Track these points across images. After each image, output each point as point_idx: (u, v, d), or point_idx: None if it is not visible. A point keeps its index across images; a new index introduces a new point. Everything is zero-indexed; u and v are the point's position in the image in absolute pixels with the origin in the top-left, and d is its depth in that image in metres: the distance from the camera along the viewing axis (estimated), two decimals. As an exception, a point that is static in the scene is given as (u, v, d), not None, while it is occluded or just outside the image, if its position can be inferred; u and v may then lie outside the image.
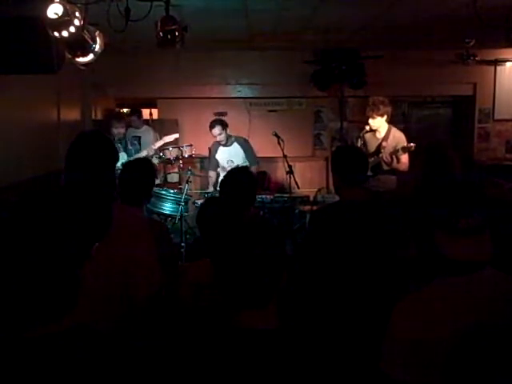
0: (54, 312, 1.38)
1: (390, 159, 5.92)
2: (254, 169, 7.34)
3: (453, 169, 3.90)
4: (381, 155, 6.01)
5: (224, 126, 7.14)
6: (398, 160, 5.95)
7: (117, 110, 10.17)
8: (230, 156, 7.29)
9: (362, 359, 2.53)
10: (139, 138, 7.85)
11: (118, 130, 7.35)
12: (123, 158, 7.00)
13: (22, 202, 1.40)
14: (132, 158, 6.82)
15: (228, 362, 1.62)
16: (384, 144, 6.07)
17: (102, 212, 1.50)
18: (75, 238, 1.39)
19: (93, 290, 1.47)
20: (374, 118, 6.08)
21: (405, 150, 5.85)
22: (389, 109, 6.12)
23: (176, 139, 7.54)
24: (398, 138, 6.10)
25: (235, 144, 7.31)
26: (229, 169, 6.96)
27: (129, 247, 2.87)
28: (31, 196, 1.41)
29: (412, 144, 5.81)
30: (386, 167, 6.02)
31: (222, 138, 7.13)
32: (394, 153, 5.91)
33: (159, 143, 7.38)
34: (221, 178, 7.08)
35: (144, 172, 3.40)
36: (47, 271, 1.35)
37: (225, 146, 7.28)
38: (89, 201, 1.47)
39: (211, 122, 7.19)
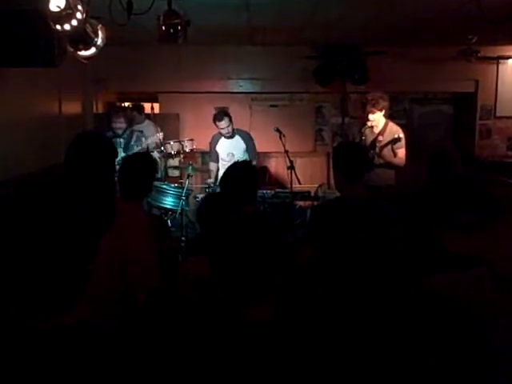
0: (59, 305, 1.38)
1: (381, 151, 5.95)
2: (254, 164, 7.33)
3: (455, 168, 3.96)
4: (377, 149, 6.03)
5: (230, 118, 7.10)
6: (395, 154, 5.96)
7: (117, 104, 10.17)
8: (230, 148, 7.25)
9: (360, 354, 2.53)
10: (142, 132, 7.85)
11: (117, 125, 7.36)
12: (120, 154, 7.03)
13: (27, 197, 1.40)
14: (130, 153, 6.83)
15: (226, 356, 1.63)
16: (380, 138, 6.10)
17: (106, 206, 1.50)
18: (80, 232, 1.39)
19: (93, 286, 1.47)
20: (374, 112, 6.12)
21: (394, 141, 5.87)
22: (387, 103, 6.20)
23: (178, 131, 7.53)
24: (395, 131, 6.11)
25: (237, 137, 7.26)
26: (228, 160, 7.00)
27: (129, 243, 2.87)
28: (36, 190, 1.41)
29: (401, 135, 5.85)
30: (381, 161, 6.04)
31: (229, 130, 7.06)
32: (386, 145, 5.93)
33: (147, 142, 7.42)
34: (221, 171, 7.12)
35: (144, 167, 3.38)
36: (52, 264, 1.36)
37: (227, 137, 7.25)
38: (93, 195, 1.48)
39: (218, 114, 7.10)
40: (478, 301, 1.72)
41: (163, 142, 7.42)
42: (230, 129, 7.07)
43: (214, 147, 7.36)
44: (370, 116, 6.16)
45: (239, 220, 1.87)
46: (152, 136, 7.62)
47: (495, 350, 1.51)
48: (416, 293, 1.90)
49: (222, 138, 7.24)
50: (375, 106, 6.10)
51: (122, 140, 7.39)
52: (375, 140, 6.13)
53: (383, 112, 6.18)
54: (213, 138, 7.39)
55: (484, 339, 1.50)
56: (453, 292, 1.78)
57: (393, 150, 5.94)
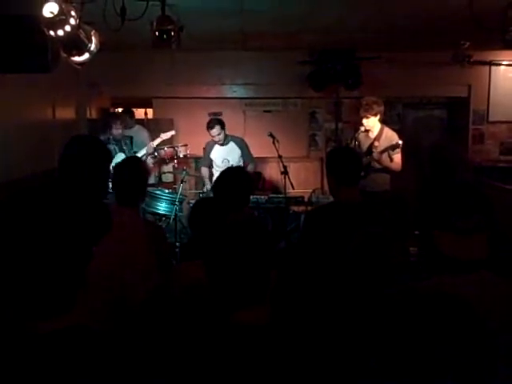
0: (52, 310, 1.38)
1: (379, 157, 5.95)
2: (251, 167, 7.32)
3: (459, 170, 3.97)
4: (373, 155, 6.03)
5: (222, 125, 7.12)
6: (391, 159, 5.98)
7: (116, 110, 10.16)
8: (225, 155, 7.28)
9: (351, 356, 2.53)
10: (131, 137, 7.83)
11: (118, 131, 7.34)
12: (121, 157, 7.00)
13: (23, 201, 1.40)
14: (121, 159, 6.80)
15: (221, 358, 1.63)
16: (376, 144, 6.11)
17: (101, 211, 1.50)
18: (75, 237, 1.39)
19: (90, 290, 1.47)
20: (367, 117, 6.13)
21: (393, 147, 5.88)
22: (382, 108, 6.19)
23: (172, 136, 7.51)
24: (391, 137, 6.13)
25: (231, 143, 7.30)
26: (223, 167, 7.00)
27: (125, 249, 2.87)
28: (32, 194, 1.41)
29: (399, 142, 5.86)
30: (377, 166, 6.05)
31: (220, 137, 7.11)
32: (384, 151, 5.94)
33: (157, 141, 7.37)
34: (215, 176, 7.13)
35: (135, 172, 3.38)
36: (48, 269, 1.35)
37: (221, 144, 7.27)
38: (87, 200, 1.47)
39: (210, 122, 7.15)
40: (477, 304, 1.72)
41: (157, 148, 7.42)
42: (221, 136, 7.10)
43: (208, 154, 7.40)
44: (364, 121, 6.18)
45: (232, 224, 1.88)
46: (144, 143, 7.63)
47: (495, 352, 1.51)
48: (414, 295, 1.91)
49: (216, 145, 7.27)
50: (368, 111, 6.11)
51: (116, 146, 7.36)
52: (371, 145, 6.14)
53: (378, 117, 6.18)
54: (207, 144, 7.43)
55: (484, 341, 1.50)
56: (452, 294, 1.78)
57: (389, 155, 5.96)
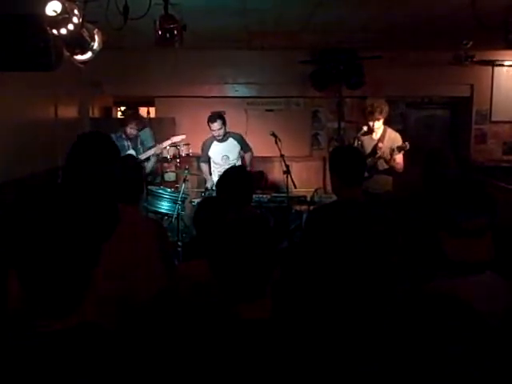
0: (62, 308, 1.38)
1: (390, 157, 5.95)
2: (249, 155, 7.44)
3: (449, 168, 4.00)
4: (377, 156, 6.04)
5: (224, 121, 7.13)
6: (394, 160, 5.98)
7: (119, 109, 10.15)
8: (224, 151, 7.28)
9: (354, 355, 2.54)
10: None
11: (131, 131, 7.32)
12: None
13: (28, 200, 1.40)
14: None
15: (225, 352, 1.65)
16: (380, 145, 6.13)
17: (109, 209, 1.50)
18: (84, 235, 1.39)
19: (96, 289, 1.48)
20: (379, 119, 6.13)
21: (400, 149, 5.89)
22: (387, 108, 6.20)
23: (182, 140, 7.45)
24: (394, 138, 6.15)
25: (230, 139, 7.29)
26: (222, 164, 7.03)
27: (128, 246, 2.87)
28: (37, 193, 1.41)
29: (406, 143, 5.87)
30: (383, 167, 6.05)
31: (220, 132, 7.10)
32: (391, 152, 5.95)
33: (167, 142, 7.31)
34: (215, 174, 7.14)
35: (134, 170, 3.38)
36: (56, 267, 1.35)
37: (220, 141, 7.27)
38: (96, 198, 1.47)
39: (211, 116, 7.14)
40: (480, 306, 1.72)
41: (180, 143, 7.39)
42: (221, 132, 7.10)
43: (207, 152, 7.39)
44: (376, 123, 6.16)
45: (236, 218, 1.89)
46: (148, 142, 7.62)
47: (496, 353, 1.51)
48: (418, 297, 1.91)
49: (215, 142, 7.27)
50: (382, 114, 6.12)
51: (129, 143, 7.36)
52: (375, 147, 6.15)
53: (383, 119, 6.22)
54: (204, 143, 7.41)
55: (485, 342, 1.50)
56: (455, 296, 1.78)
57: (391, 155, 5.97)
